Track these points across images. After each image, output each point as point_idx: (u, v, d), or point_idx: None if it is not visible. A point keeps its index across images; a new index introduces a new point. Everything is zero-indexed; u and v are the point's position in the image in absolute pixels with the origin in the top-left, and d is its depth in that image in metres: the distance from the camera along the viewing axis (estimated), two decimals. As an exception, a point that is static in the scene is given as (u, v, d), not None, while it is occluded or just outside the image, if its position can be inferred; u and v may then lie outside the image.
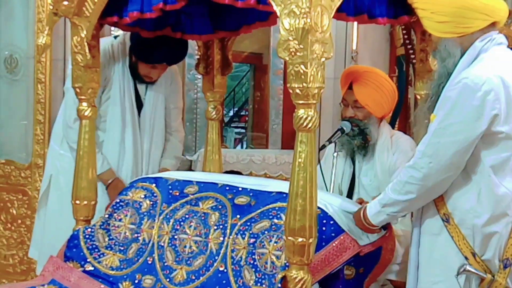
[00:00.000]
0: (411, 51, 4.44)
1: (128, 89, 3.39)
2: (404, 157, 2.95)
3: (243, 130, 9.71)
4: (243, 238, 2.54)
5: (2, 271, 4.56)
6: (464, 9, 2.12)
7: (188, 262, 2.67)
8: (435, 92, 2.25)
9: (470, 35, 2.17)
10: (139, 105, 3.46)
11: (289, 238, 2.23)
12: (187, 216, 2.77)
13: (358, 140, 3.12)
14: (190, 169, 5.07)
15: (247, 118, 9.97)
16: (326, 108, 4.90)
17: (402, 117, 4.89)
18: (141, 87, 3.46)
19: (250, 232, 2.54)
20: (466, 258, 2.10)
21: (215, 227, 2.66)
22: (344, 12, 2.66)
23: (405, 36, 4.66)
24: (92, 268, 2.84)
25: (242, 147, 8.25)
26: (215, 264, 2.58)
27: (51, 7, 2.99)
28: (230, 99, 11.25)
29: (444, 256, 2.16)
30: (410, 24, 2.97)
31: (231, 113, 11.21)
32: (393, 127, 4.00)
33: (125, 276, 2.77)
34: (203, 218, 2.72)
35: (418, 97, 2.99)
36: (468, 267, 2.07)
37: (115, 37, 3.47)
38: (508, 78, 2.07)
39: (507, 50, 2.21)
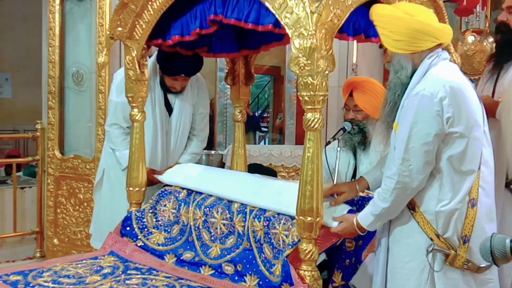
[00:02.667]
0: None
1: (158, 99, 3.36)
2: None
3: (265, 129, 9.68)
4: (259, 221, 2.54)
5: (72, 244, 4.63)
6: (416, 32, 2.09)
7: (221, 240, 2.68)
8: (392, 99, 2.20)
9: (420, 53, 2.13)
10: (170, 111, 3.45)
11: (300, 217, 2.24)
12: (214, 203, 2.77)
13: (358, 137, 3.11)
14: (222, 161, 5.09)
15: (268, 120, 9.96)
16: (332, 111, 4.88)
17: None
18: (171, 97, 3.43)
19: (264, 216, 2.53)
20: (431, 239, 2.06)
21: (237, 212, 2.65)
22: (345, 33, 2.63)
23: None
24: (142, 244, 2.86)
25: (265, 143, 8.23)
26: (243, 243, 2.58)
27: (108, 32, 3.01)
28: (254, 104, 11.25)
29: (413, 240, 2.11)
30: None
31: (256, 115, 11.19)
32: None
33: (169, 251, 2.78)
34: (227, 205, 2.72)
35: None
36: (435, 246, 2.04)
37: (149, 56, 3.47)
38: (456, 86, 2.05)
39: (451, 64, 2.19)
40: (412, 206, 2.12)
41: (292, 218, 2.38)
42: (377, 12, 2.19)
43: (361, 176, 2.63)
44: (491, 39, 4.08)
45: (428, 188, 2.09)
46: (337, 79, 4.77)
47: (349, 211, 2.41)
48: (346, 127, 3.10)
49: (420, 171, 2.05)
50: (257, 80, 10.13)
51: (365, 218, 2.20)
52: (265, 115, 11.24)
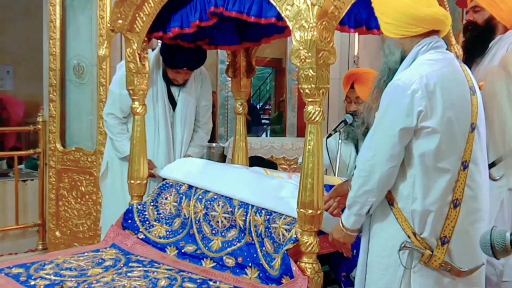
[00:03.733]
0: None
1: (161, 92, 3.37)
2: None
3: (267, 121, 9.68)
4: (260, 216, 2.53)
5: (74, 236, 4.64)
6: (406, 16, 1.99)
7: (223, 234, 2.68)
8: (377, 85, 2.12)
9: (410, 38, 2.03)
10: (174, 104, 3.45)
11: (301, 210, 2.23)
12: (215, 197, 2.76)
13: (362, 129, 3.11)
14: (223, 154, 5.09)
15: (270, 112, 9.96)
16: (333, 103, 4.87)
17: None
18: (175, 90, 3.44)
19: (265, 211, 2.53)
20: (408, 236, 1.95)
21: (239, 206, 2.65)
22: (346, 25, 2.63)
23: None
24: (144, 237, 2.85)
25: (266, 135, 8.23)
26: (245, 237, 2.58)
27: (109, 25, 3.00)
28: (256, 96, 11.25)
29: (391, 235, 2.00)
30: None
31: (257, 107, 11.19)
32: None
33: (170, 243, 2.78)
34: (228, 198, 2.71)
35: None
36: (407, 244, 1.95)
37: (153, 49, 3.47)
38: (435, 78, 1.94)
39: (443, 53, 2.05)
40: (391, 202, 2.02)
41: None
42: None
43: None
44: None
45: (403, 184, 1.99)
46: (338, 71, 4.76)
47: None
48: (347, 120, 3.10)
49: (384, 163, 1.96)
50: (259, 72, 10.14)
51: (344, 215, 2.13)
52: (267, 107, 11.25)
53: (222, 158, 5.02)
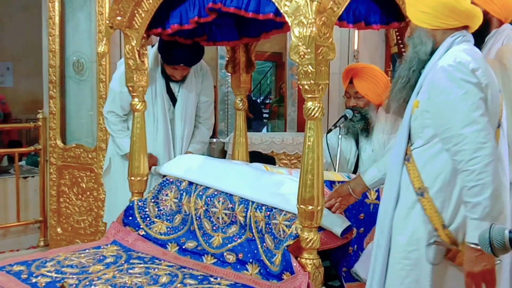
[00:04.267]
0: (402, 49, 4.38)
1: (160, 88, 3.37)
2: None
3: (267, 115, 9.66)
4: (261, 212, 2.54)
5: (75, 232, 4.64)
6: (445, 8, 1.96)
7: (223, 230, 2.68)
8: (406, 75, 2.04)
9: (443, 30, 1.99)
10: (174, 100, 3.45)
11: (301, 206, 2.23)
12: (215, 193, 2.76)
13: (361, 124, 3.11)
14: (223, 149, 5.09)
15: (270, 106, 9.94)
16: (333, 99, 4.86)
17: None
18: (174, 86, 3.44)
19: (266, 207, 2.53)
20: (435, 229, 1.89)
21: (239, 202, 2.65)
22: (345, 20, 2.62)
23: (398, 37, 4.62)
24: (145, 233, 2.86)
25: (267, 130, 8.21)
26: (246, 234, 2.59)
27: (107, 22, 3.00)
28: (257, 90, 11.24)
29: (417, 227, 1.93)
30: (401, 28, 2.92)
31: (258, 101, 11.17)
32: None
33: (171, 240, 2.79)
34: (229, 195, 2.71)
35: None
36: (437, 239, 1.88)
37: (152, 46, 3.47)
38: (483, 64, 1.93)
39: (475, 48, 2.04)
40: (421, 192, 1.94)
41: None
42: None
43: (358, 175, 2.51)
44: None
45: (442, 171, 1.90)
46: (338, 66, 4.74)
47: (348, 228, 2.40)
48: (347, 115, 3.10)
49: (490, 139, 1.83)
50: (259, 66, 10.13)
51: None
52: (267, 101, 11.23)
53: (223, 154, 5.01)
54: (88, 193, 4.57)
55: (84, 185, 4.59)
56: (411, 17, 2.06)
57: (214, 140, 5.10)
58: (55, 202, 4.73)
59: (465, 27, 2.04)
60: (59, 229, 4.73)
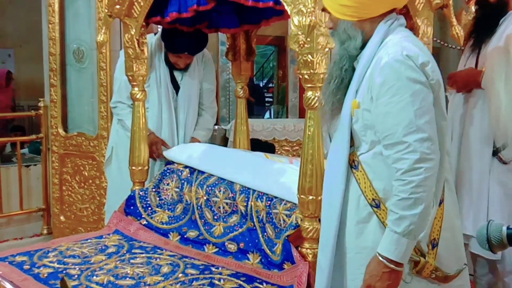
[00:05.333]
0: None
1: (164, 76, 3.36)
2: None
3: (270, 99, 9.64)
4: (262, 202, 2.54)
5: (78, 220, 4.66)
6: None
7: (225, 219, 2.69)
8: (338, 75, 1.83)
9: (371, 19, 1.79)
10: (177, 88, 3.45)
11: (302, 196, 2.23)
12: (216, 182, 2.77)
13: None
14: (225, 136, 5.09)
15: (273, 90, 9.91)
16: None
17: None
18: (178, 74, 3.43)
19: (267, 196, 2.54)
20: None
21: (240, 192, 2.66)
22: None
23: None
24: (146, 222, 2.88)
25: (270, 114, 8.19)
26: (247, 223, 2.60)
27: (106, 10, 2.98)
28: (260, 74, 11.20)
29: (375, 242, 1.71)
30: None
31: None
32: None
33: (173, 229, 2.81)
34: (230, 184, 2.72)
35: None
36: None
37: (155, 34, 3.46)
38: (430, 56, 1.75)
39: (408, 31, 1.85)
40: (376, 204, 1.75)
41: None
42: None
43: None
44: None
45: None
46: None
47: None
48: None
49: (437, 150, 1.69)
50: (262, 49, 10.07)
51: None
52: (270, 85, 11.19)
53: (224, 140, 5.02)
54: (91, 181, 4.58)
55: (86, 173, 4.60)
56: (330, 10, 1.85)
57: (216, 127, 5.11)
58: (57, 190, 4.75)
59: (393, 10, 1.84)
60: (62, 217, 4.75)
